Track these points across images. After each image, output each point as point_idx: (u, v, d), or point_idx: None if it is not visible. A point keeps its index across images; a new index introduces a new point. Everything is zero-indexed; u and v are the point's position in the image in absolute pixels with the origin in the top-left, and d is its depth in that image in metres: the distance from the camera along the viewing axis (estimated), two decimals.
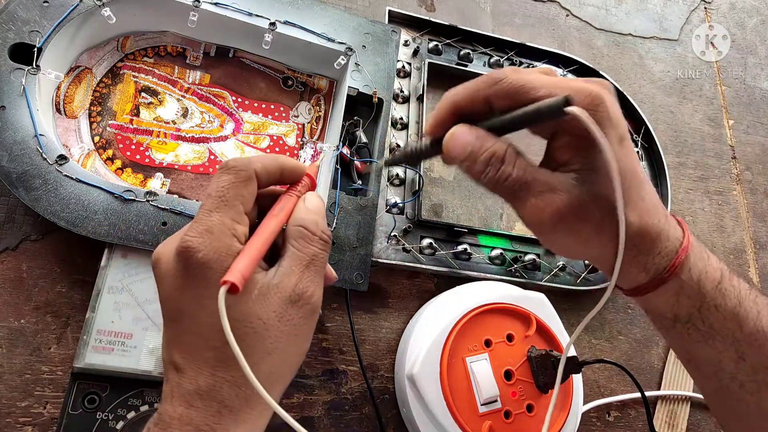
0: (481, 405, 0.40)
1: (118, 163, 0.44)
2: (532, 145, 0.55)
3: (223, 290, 0.22)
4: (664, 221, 0.26)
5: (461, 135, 0.26)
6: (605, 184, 0.24)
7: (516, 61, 0.59)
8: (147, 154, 0.45)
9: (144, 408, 0.36)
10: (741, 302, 0.27)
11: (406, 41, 0.56)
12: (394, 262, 0.47)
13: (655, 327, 0.30)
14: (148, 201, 0.39)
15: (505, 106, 0.25)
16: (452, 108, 0.26)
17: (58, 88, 0.43)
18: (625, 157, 0.24)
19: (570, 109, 0.21)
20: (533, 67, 0.59)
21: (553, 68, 0.28)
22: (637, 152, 0.60)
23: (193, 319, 0.24)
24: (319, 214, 0.28)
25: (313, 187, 0.30)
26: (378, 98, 0.48)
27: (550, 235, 0.26)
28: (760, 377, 0.27)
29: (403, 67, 0.55)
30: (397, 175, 0.50)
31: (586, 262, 0.53)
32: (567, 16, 0.68)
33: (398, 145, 0.51)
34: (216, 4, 0.45)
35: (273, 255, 0.27)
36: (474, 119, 0.26)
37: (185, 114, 0.47)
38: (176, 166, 0.45)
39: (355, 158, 0.48)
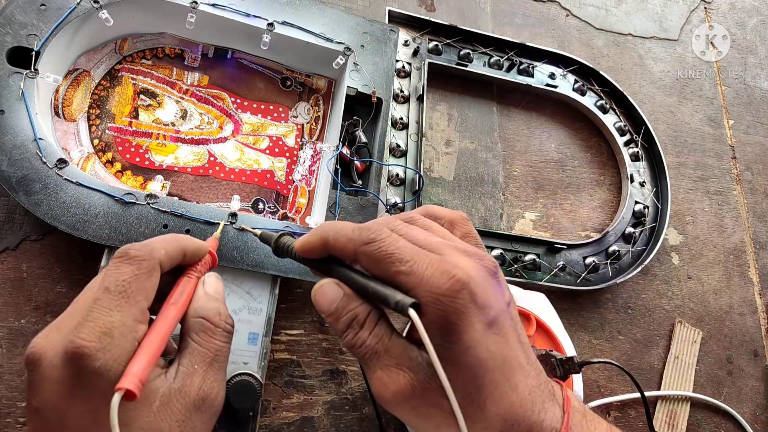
0: None
1: (117, 165, 0.44)
2: (531, 146, 0.55)
3: (116, 398, 0.19)
4: (539, 409, 0.23)
5: (329, 291, 0.25)
6: (458, 375, 0.21)
7: (516, 60, 0.59)
8: (146, 156, 0.45)
9: None
10: None
11: (406, 41, 0.56)
12: None
13: None
14: (148, 204, 0.39)
15: (368, 268, 0.24)
16: (324, 243, 0.25)
17: (57, 91, 0.43)
18: (493, 345, 0.22)
19: (411, 313, 0.21)
20: (534, 66, 0.59)
21: (462, 216, 0.27)
22: (637, 152, 0.60)
23: None
24: (220, 300, 0.26)
25: (214, 263, 0.28)
26: (377, 98, 0.48)
27: (397, 413, 0.24)
28: None
29: (403, 67, 0.55)
30: (397, 175, 0.50)
31: (587, 262, 0.53)
32: (567, 16, 0.68)
33: (398, 145, 0.51)
34: (213, 5, 0.45)
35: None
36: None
37: (184, 116, 0.47)
38: (176, 168, 0.45)
39: (355, 158, 0.48)
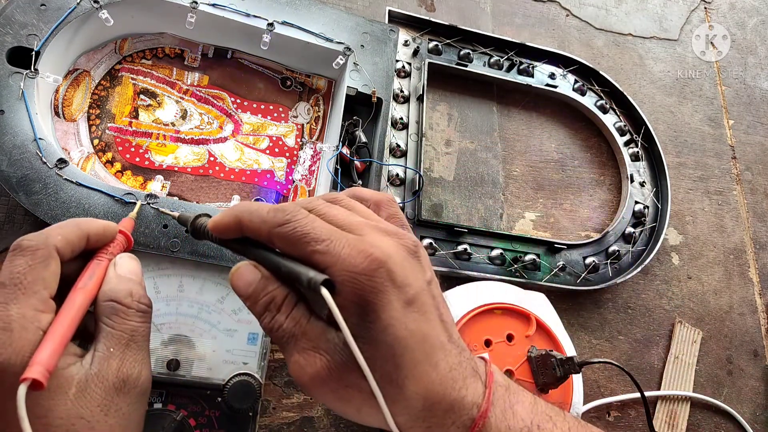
0: None
1: (117, 165, 0.44)
2: (531, 146, 0.55)
3: (22, 389, 0.19)
4: (460, 386, 0.23)
5: (246, 274, 0.24)
6: (377, 354, 0.21)
7: (516, 60, 0.59)
8: (146, 156, 0.45)
9: None
10: None
11: (406, 41, 0.56)
12: None
13: None
14: (148, 203, 0.39)
15: (284, 250, 0.23)
16: (237, 223, 0.25)
17: (57, 91, 0.43)
18: (412, 323, 0.22)
19: (322, 291, 0.21)
20: (534, 66, 0.59)
21: (388, 197, 0.27)
22: (637, 152, 0.60)
23: None
24: (133, 280, 0.26)
25: (129, 244, 0.27)
26: (377, 98, 0.48)
27: (318, 398, 0.23)
28: None
29: (403, 67, 0.55)
30: (397, 175, 0.50)
31: (587, 262, 0.53)
32: (567, 16, 0.68)
33: (398, 145, 0.51)
34: (213, 5, 0.45)
35: (85, 331, 0.24)
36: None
37: (184, 116, 0.47)
38: (176, 168, 0.45)
39: (355, 158, 0.48)
